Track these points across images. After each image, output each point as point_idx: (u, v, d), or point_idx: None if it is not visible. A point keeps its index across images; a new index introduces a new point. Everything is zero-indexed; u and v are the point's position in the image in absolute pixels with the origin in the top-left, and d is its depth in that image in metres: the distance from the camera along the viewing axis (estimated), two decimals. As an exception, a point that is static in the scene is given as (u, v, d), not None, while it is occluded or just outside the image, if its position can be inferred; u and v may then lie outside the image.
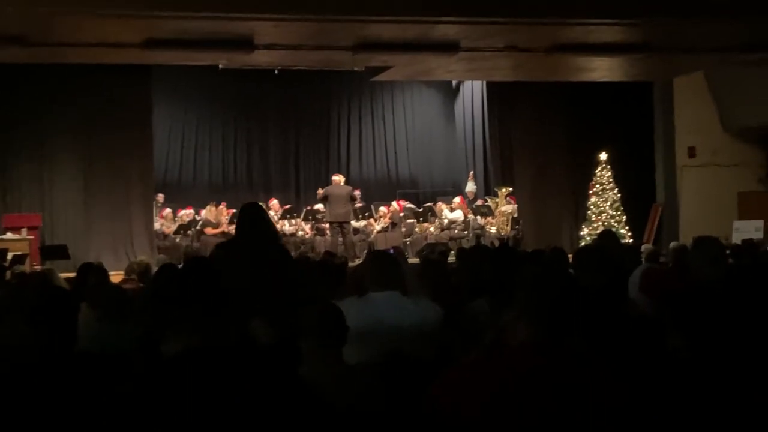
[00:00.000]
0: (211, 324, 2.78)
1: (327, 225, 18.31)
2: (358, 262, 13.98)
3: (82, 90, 16.98)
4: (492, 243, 16.80)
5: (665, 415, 3.06)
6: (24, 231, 15.72)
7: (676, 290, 4.43)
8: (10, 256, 13.78)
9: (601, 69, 17.16)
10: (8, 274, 10.05)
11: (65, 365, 3.15)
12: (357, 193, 19.44)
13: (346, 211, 17.81)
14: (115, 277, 9.35)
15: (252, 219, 5.86)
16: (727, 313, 3.53)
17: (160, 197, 19.52)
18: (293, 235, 18.97)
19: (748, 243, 12.92)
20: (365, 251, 15.94)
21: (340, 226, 17.79)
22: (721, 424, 3.08)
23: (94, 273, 7.22)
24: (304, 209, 19.24)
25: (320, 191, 17.95)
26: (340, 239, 17.83)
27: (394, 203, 20.04)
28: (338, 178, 18.32)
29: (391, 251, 5.50)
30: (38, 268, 13.44)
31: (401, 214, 19.61)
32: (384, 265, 5.04)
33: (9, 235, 15.54)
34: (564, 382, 2.78)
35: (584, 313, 3.16)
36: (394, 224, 19.25)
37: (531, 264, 5.43)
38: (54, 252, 15.52)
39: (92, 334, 4.76)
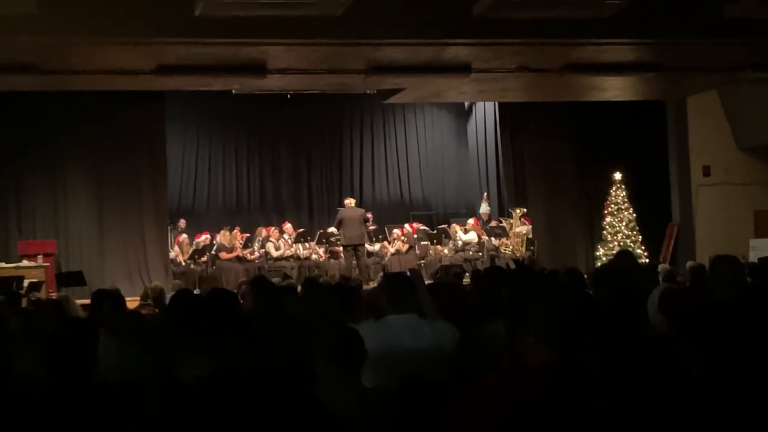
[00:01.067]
0: (226, 349, 2.77)
1: (341, 248, 18.33)
2: (372, 285, 13.96)
3: (95, 117, 17.09)
4: (507, 264, 16.76)
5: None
6: (40, 258, 15.76)
7: (694, 310, 4.39)
8: (26, 283, 13.80)
9: (614, 88, 17.13)
10: (24, 301, 10.06)
11: (82, 395, 3.15)
12: (369, 215, 19.49)
13: (360, 233, 17.87)
14: (131, 302, 9.35)
15: None
16: (746, 333, 3.49)
17: (182, 223, 19.55)
18: (307, 258, 18.97)
19: (765, 261, 12.81)
20: (380, 274, 15.92)
21: (354, 249, 17.82)
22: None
23: (110, 299, 7.20)
24: (318, 232, 19.25)
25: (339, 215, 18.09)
26: (354, 262, 17.84)
27: (407, 226, 20.04)
28: (350, 201, 18.41)
29: (408, 274, 5.46)
30: (54, 295, 13.46)
31: (415, 236, 19.60)
32: (400, 287, 5.01)
33: (25, 263, 15.58)
34: (581, 403, 2.75)
35: (602, 333, 3.13)
36: (411, 247, 19.25)
37: (547, 284, 5.40)
38: (70, 279, 15.55)
39: (110, 361, 4.75)
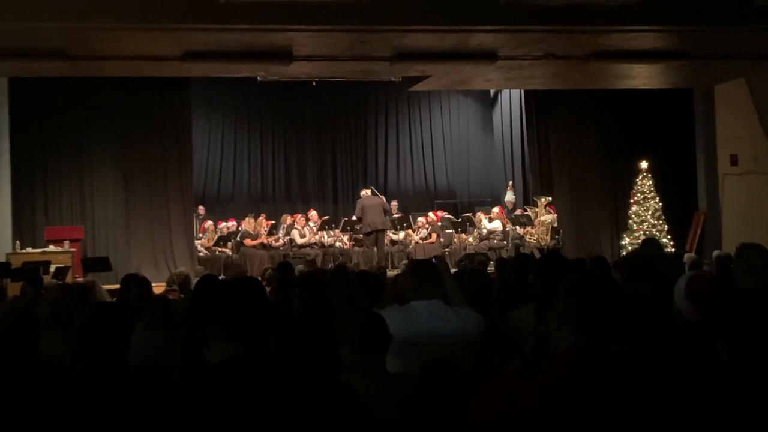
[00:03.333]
0: (252, 334, 2.77)
1: (365, 236, 18.39)
2: (396, 272, 13.98)
3: (121, 104, 17.19)
4: (532, 253, 16.74)
5: (712, 422, 3.01)
6: (66, 243, 15.87)
7: (721, 298, 4.36)
8: (53, 268, 13.91)
9: (641, 76, 17.02)
10: (52, 285, 10.10)
11: (112, 380, 3.17)
12: (393, 204, 19.54)
13: (382, 219, 17.94)
14: (157, 288, 9.40)
15: None
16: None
17: (201, 210, 19.68)
18: (332, 246, 19.01)
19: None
20: (403, 261, 15.95)
21: (376, 235, 17.88)
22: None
23: (137, 285, 7.24)
24: (343, 220, 19.28)
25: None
26: (375, 249, 17.93)
27: (431, 214, 20.06)
28: (366, 192, 18.51)
29: (433, 260, 5.45)
30: (80, 280, 13.56)
31: (439, 224, 19.61)
32: (425, 274, 5.01)
33: (51, 248, 15.70)
34: (607, 390, 2.73)
35: (629, 320, 3.12)
36: (436, 235, 19.30)
37: (573, 271, 5.38)
38: (96, 264, 15.66)
39: (137, 346, 4.78)
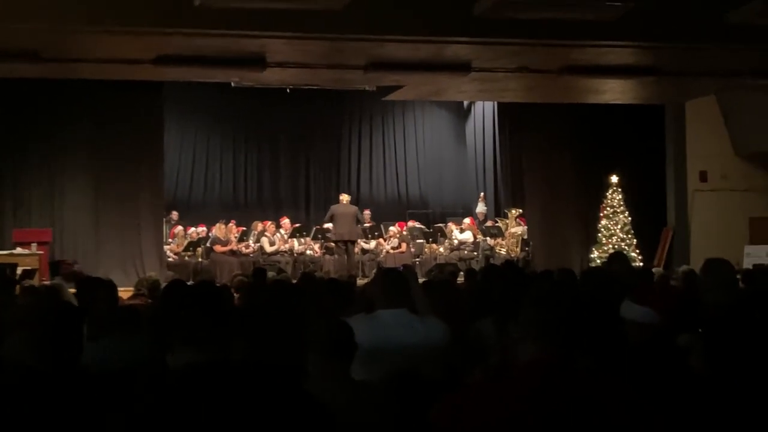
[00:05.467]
0: (216, 340, 2.77)
1: (334, 244, 18.38)
2: (366, 281, 13.98)
3: (93, 107, 17.09)
4: (501, 264, 16.77)
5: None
6: (34, 246, 15.74)
7: (676, 297, 4.41)
8: (19, 270, 13.80)
9: (613, 91, 17.15)
10: (18, 288, 10.03)
11: (72, 381, 3.14)
12: (366, 213, 19.51)
13: (350, 230, 17.94)
14: (124, 293, 9.34)
15: None
16: (738, 338, 3.49)
17: (174, 215, 19.59)
18: (302, 254, 18.98)
19: (759, 268, 12.83)
20: (374, 270, 15.95)
21: (345, 244, 17.90)
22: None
23: (103, 290, 7.18)
24: (314, 228, 19.26)
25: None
26: (345, 258, 17.93)
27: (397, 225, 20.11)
28: (344, 198, 18.46)
29: (401, 269, 5.47)
30: (47, 283, 13.45)
31: (403, 232, 19.68)
32: (393, 282, 5.02)
33: (19, 250, 15.57)
34: (572, 400, 2.74)
35: (591, 332, 3.13)
36: (405, 244, 19.33)
37: (537, 283, 5.41)
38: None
39: (102, 349, 4.75)
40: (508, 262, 15.64)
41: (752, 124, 17.89)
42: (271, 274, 12.23)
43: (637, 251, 18.57)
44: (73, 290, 8.39)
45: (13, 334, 4.66)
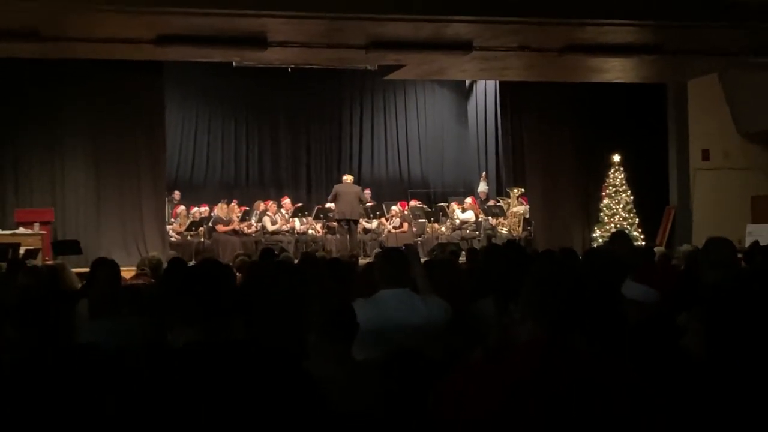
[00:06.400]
0: (218, 319, 2.77)
1: (337, 223, 18.38)
2: (368, 260, 13.99)
3: (94, 87, 17.05)
4: (503, 244, 16.79)
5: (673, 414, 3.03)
6: (36, 226, 15.74)
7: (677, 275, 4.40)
8: (22, 250, 13.80)
9: (615, 70, 17.11)
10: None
11: (70, 361, 3.15)
12: (367, 193, 19.51)
13: (353, 209, 17.94)
14: (127, 272, 9.36)
15: None
16: (738, 317, 3.49)
17: (177, 194, 19.58)
18: (304, 233, 18.99)
19: (757, 246, 12.81)
20: (375, 250, 15.95)
21: (348, 224, 17.91)
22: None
23: (104, 268, 7.19)
24: (315, 208, 19.26)
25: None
26: (348, 237, 17.94)
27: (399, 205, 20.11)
28: (347, 178, 18.48)
29: (403, 249, 5.47)
30: (50, 262, 13.47)
31: (405, 212, 19.68)
32: (394, 262, 5.02)
33: (21, 230, 15.57)
34: (571, 381, 2.73)
35: (592, 312, 3.13)
36: (407, 223, 19.33)
37: (537, 263, 5.41)
38: (66, 247, 15.55)
39: (100, 330, 4.76)
40: (510, 242, 15.66)
41: (754, 102, 17.85)
42: (287, 254, 12.23)
43: (639, 230, 18.57)
44: (79, 270, 8.43)
45: (13, 315, 4.70)
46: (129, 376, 2.59)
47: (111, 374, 2.68)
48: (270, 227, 18.66)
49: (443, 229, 19.47)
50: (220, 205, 18.80)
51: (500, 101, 20.83)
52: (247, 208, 19.27)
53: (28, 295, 3.53)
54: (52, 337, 3.29)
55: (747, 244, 15.29)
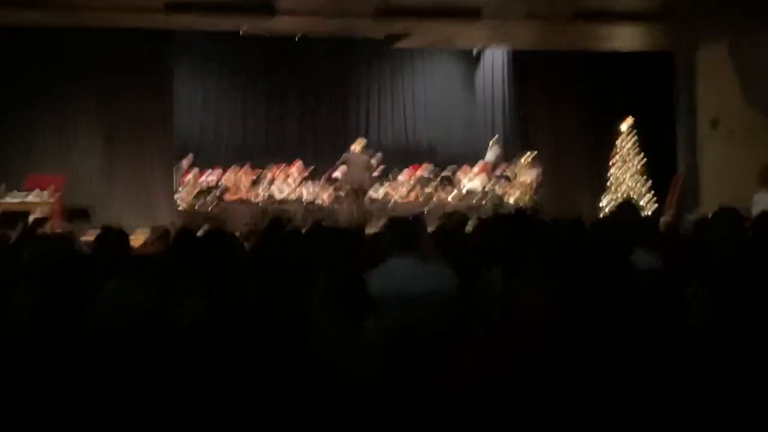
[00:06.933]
0: (226, 288, 2.80)
1: (344, 192, 18.38)
2: (375, 229, 14.01)
3: (104, 55, 17.04)
4: (509, 213, 16.78)
5: (679, 389, 3.04)
6: (46, 193, 15.77)
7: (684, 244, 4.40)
8: (30, 218, 13.84)
9: (623, 38, 17.03)
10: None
11: (80, 329, 3.18)
12: (374, 161, 19.45)
13: (362, 177, 17.91)
14: (136, 241, 9.40)
15: None
16: (746, 294, 3.49)
17: (185, 163, 19.46)
18: (312, 202, 19.00)
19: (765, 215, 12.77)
20: (382, 219, 15.97)
21: (356, 192, 17.89)
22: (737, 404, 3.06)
23: (114, 238, 7.21)
24: (323, 176, 19.25)
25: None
26: (355, 207, 17.94)
27: (411, 171, 20.06)
28: (357, 146, 18.37)
29: (411, 218, 5.49)
30: (59, 230, 13.52)
31: (412, 181, 19.66)
32: (402, 231, 5.04)
33: (32, 197, 15.59)
34: (578, 354, 2.73)
35: (599, 284, 3.13)
36: (415, 193, 19.33)
37: (544, 233, 5.42)
38: (77, 214, 15.58)
39: (112, 298, 4.79)
40: (518, 211, 15.64)
41: (764, 72, 17.74)
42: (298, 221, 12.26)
43: (647, 199, 18.55)
44: (88, 237, 8.45)
45: (24, 284, 4.74)
46: (140, 346, 2.62)
47: (123, 344, 2.71)
48: (278, 196, 18.68)
49: (450, 198, 19.47)
50: (228, 173, 18.84)
51: (508, 70, 20.75)
52: (255, 177, 19.23)
53: (41, 263, 3.54)
54: (68, 306, 3.32)
55: (754, 213, 15.27)
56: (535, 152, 19.70)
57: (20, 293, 4.11)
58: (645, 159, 18.81)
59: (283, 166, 19.19)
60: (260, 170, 19.22)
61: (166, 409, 2.48)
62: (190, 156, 19.59)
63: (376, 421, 3.35)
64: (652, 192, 18.74)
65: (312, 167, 19.48)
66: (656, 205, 18.55)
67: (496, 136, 21.05)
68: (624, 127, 18.73)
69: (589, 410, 2.64)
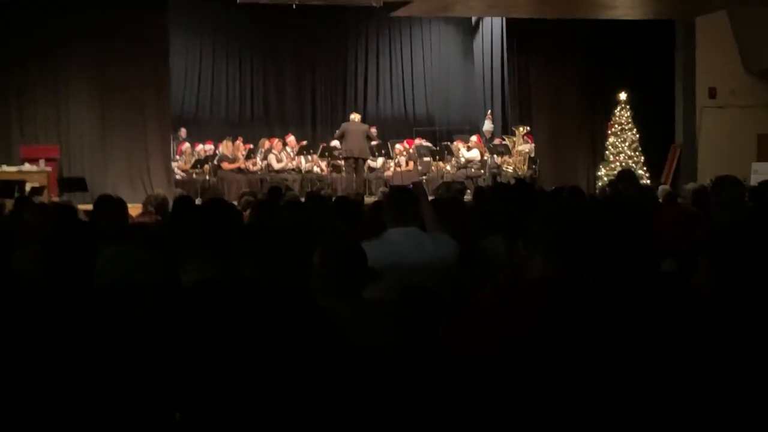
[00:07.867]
0: (226, 257, 2.79)
1: (343, 162, 18.36)
2: (373, 199, 14.00)
3: (98, 23, 16.94)
4: (509, 182, 16.78)
5: (682, 354, 3.04)
6: (42, 162, 15.74)
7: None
8: (28, 187, 13.82)
9: (623, 6, 16.94)
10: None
11: (79, 297, 3.17)
12: (374, 131, 19.43)
13: (361, 147, 17.91)
14: (133, 210, 9.36)
15: None
16: (752, 256, 3.47)
17: (182, 132, 19.56)
18: (309, 171, 18.98)
19: (765, 184, 12.77)
20: (380, 189, 15.95)
21: (355, 161, 17.89)
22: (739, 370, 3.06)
23: (113, 206, 7.19)
24: (321, 146, 19.22)
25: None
26: (354, 176, 17.93)
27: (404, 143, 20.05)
28: (355, 116, 18.43)
29: (411, 187, 5.47)
30: (56, 199, 13.49)
31: (410, 150, 19.64)
32: (402, 200, 5.02)
33: (27, 167, 15.56)
34: (579, 319, 2.74)
35: (600, 249, 3.13)
36: (412, 162, 19.31)
37: (546, 200, 5.41)
38: (72, 184, 15.56)
39: (109, 265, 4.77)
40: (519, 180, 15.66)
41: (763, 40, 17.69)
42: (293, 193, 12.23)
43: (645, 168, 18.54)
44: (84, 207, 8.44)
45: (24, 248, 4.72)
46: (142, 313, 2.61)
47: (125, 312, 2.70)
48: (276, 165, 18.65)
49: (448, 167, 19.45)
50: (225, 142, 18.79)
51: (507, 39, 20.67)
52: (252, 146, 19.23)
53: (42, 231, 3.52)
54: (72, 273, 3.30)
55: (752, 182, 15.28)
56: (528, 128, 19.65)
57: (20, 255, 4.11)
58: (643, 128, 18.76)
59: (276, 141, 19.15)
60: (251, 146, 19.17)
61: (171, 366, 2.48)
62: (183, 131, 19.58)
63: (381, 384, 3.36)
64: (650, 161, 18.70)
65: (304, 142, 19.42)
66: (650, 173, 18.53)
67: (489, 111, 21.01)
68: (622, 96, 18.68)
69: (592, 370, 2.65)
